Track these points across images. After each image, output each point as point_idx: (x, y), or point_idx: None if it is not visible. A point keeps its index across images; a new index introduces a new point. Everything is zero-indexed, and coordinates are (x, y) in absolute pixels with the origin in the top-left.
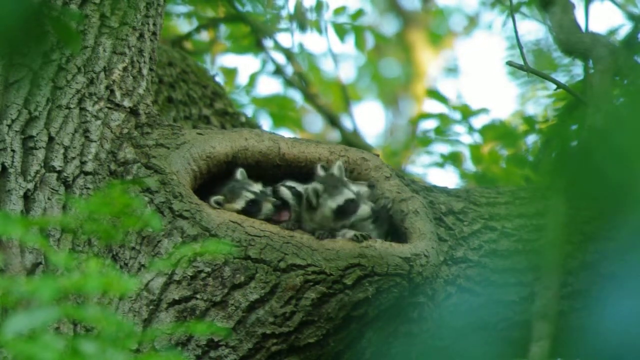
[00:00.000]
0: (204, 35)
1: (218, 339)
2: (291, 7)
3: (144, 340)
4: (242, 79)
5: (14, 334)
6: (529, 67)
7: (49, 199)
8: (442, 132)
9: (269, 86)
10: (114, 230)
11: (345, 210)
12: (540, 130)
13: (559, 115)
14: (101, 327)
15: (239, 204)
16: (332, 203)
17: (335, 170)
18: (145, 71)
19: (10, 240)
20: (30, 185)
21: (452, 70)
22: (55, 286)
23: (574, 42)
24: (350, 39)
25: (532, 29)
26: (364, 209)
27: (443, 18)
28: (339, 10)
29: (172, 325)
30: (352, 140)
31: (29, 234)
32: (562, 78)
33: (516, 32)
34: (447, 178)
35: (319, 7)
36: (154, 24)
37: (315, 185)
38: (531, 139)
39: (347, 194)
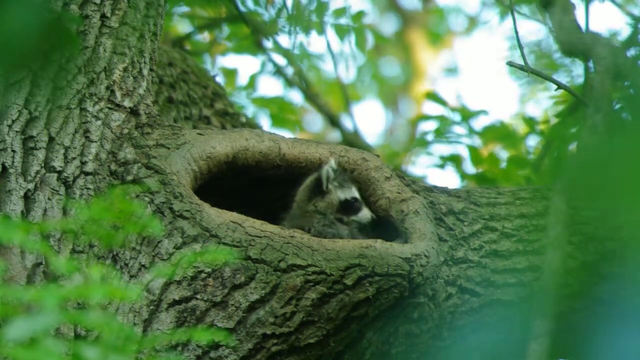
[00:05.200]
0: (205, 36)
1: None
2: (292, 8)
3: (145, 345)
4: (243, 80)
5: (15, 339)
6: (529, 67)
7: (49, 199)
8: (441, 134)
9: (270, 87)
10: (115, 234)
11: (350, 207)
12: (541, 132)
13: (560, 116)
14: (102, 331)
15: None
16: (342, 194)
17: (333, 164)
18: (145, 71)
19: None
20: (31, 186)
21: (451, 70)
22: (60, 295)
23: (575, 42)
24: (351, 40)
25: (533, 29)
26: (365, 213)
27: (443, 17)
28: (340, 12)
29: (172, 330)
30: (352, 140)
31: (29, 238)
32: (562, 79)
33: (516, 31)
34: (448, 179)
35: (320, 9)
36: (155, 24)
37: (329, 169)
38: (532, 140)
39: (355, 192)
